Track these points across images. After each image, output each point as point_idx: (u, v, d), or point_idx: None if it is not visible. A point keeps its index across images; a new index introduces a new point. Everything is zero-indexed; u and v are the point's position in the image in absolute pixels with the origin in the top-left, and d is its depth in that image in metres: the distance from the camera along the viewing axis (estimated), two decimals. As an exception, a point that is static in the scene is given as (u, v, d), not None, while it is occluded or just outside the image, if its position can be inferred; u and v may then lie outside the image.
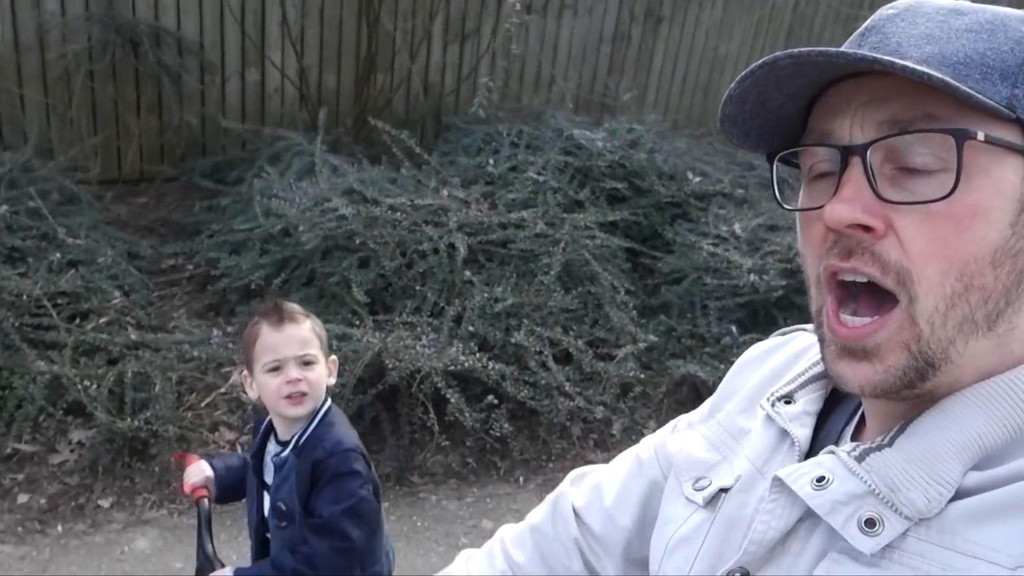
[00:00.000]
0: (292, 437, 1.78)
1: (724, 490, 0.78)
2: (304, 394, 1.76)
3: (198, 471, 1.91)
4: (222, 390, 3.58)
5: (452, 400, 3.32)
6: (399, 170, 4.75)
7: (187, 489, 1.90)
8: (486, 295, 3.83)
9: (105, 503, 3.01)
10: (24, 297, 3.45)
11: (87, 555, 2.76)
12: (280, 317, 1.79)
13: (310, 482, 1.71)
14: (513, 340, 3.60)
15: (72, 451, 3.20)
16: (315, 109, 5.38)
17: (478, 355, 3.44)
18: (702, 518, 0.79)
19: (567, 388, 3.51)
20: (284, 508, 1.76)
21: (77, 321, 3.59)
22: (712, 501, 0.79)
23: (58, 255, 3.80)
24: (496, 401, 3.40)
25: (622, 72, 6.53)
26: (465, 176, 4.74)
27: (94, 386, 3.21)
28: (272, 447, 1.83)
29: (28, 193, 4.00)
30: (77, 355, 3.38)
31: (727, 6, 6.63)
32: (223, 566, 1.74)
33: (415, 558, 3.02)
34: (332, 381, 1.83)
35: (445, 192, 4.50)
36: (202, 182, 4.80)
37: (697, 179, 4.90)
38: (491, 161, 4.85)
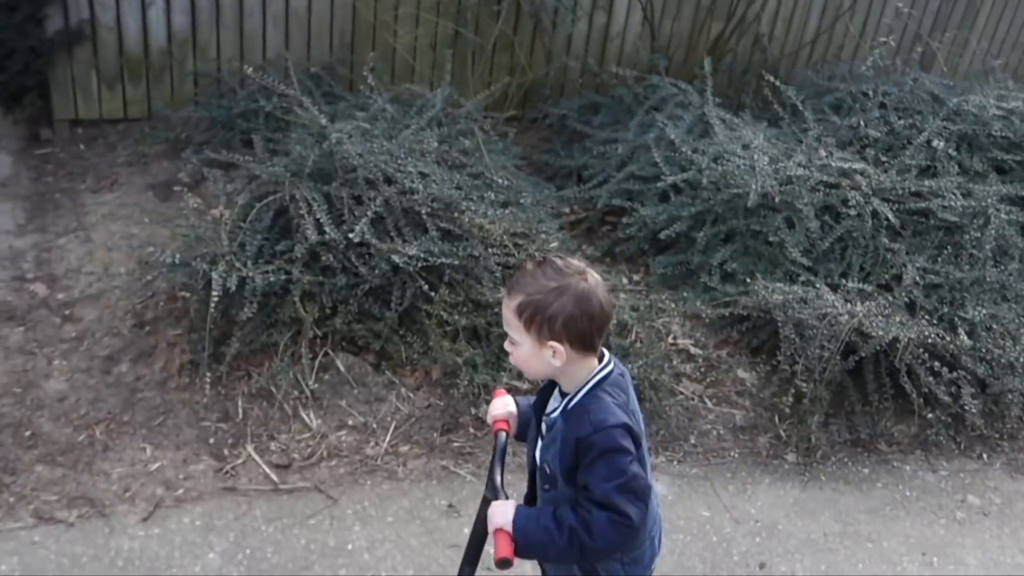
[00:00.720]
0: (566, 396, 1.73)
1: None
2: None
3: (502, 405, 1.91)
4: (670, 341, 3.69)
5: (924, 373, 3.33)
6: (768, 125, 4.71)
7: (490, 421, 1.91)
8: (918, 266, 3.81)
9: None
10: (495, 236, 3.60)
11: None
12: (506, 286, 1.74)
13: (574, 456, 1.66)
14: (967, 316, 3.57)
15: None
16: (660, 53, 5.37)
17: (958, 331, 3.43)
18: None
19: (1030, 369, 3.48)
20: (548, 471, 1.74)
21: (529, 262, 3.73)
22: None
23: (491, 194, 3.94)
24: (965, 376, 3.39)
25: (944, 28, 6.27)
26: (839, 137, 4.66)
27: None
28: (555, 397, 1.79)
29: (458, 131, 4.14)
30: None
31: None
32: (508, 498, 1.73)
33: (923, 528, 3.09)
34: (557, 363, 1.68)
35: (822, 152, 4.44)
36: (577, 126, 4.86)
37: (1075, 154, 4.69)
38: (861, 122, 4.75)
